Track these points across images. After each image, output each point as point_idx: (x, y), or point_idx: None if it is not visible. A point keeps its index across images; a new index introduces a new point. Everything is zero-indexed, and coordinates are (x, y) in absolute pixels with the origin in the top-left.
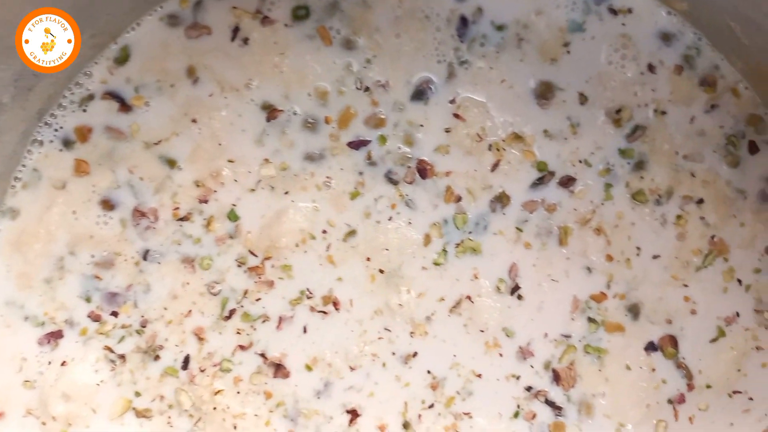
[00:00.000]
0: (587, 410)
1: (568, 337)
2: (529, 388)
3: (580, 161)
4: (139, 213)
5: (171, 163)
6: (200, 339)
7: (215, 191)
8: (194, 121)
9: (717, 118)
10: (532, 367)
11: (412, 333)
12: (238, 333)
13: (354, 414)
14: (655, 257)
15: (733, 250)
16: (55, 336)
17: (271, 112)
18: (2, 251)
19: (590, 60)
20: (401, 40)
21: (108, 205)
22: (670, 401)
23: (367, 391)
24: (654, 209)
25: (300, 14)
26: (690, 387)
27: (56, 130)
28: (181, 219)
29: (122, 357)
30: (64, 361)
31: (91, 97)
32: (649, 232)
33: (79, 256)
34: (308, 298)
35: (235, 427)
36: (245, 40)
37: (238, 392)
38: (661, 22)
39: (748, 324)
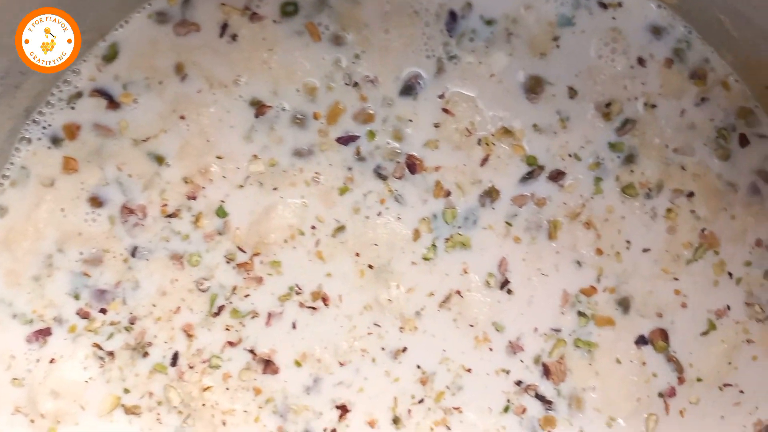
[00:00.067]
0: (577, 404)
1: (558, 331)
2: (519, 383)
3: (570, 155)
4: (127, 210)
5: (159, 160)
6: (189, 335)
7: (204, 188)
8: (182, 117)
9: (707, 111)
10: (522, 361)
11: (401, 328)
12: (227, 329)
13: (343, 409)
14: (645, 251)
15: (723, 243)
16: (44, 333)
17: (259, 108)
18: None
19: (580, 54)
20: (390, 35)
21: (96, 202)
22: (660, 395)
23: (357, 386)
24: (644, 203)
25: (288, 10)
26: (681, 380)
27: (44, 128)
28: (170, 216)
29: (111, 354)
30: (53, 359)
31: (79, 95)
32: (639, 226)
33: (68, 253)
34: (297, 293)
35: (224, 424)
36: (234, 37)
37: (227, 388)
38: (651, 15)
39: (738, 317)
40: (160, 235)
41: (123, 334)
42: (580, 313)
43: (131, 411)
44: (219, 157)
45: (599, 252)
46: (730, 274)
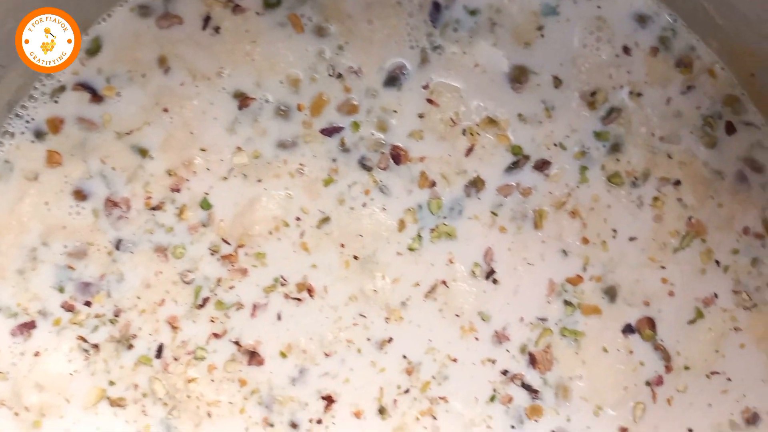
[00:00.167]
0: (564, 393)
1: (544, 320)
2: (505, 372)
3: (555, 144)
4: (111, 203)
5: (143, 153)
6: (174, 328)
7: (187, 180)
8: (166, 110)
9: (693, 99)
10: (508, 351)
11: (387, 319)
12: (212, 321)
13: (329, 400)
14: (631, 239)
15: (710, 231)
16: (28, 327)
17: (243, 100)
18: None
19: (564, 43)
20: (373, 26)
21: (80, 195)
22: (648, 383)
23: (343, 377)
24: (630, 191)
25: (271, 2)
26: (668, 369)
27: (27, 122)
28: (154, 208)
29: (96, 346)
30: (37, 352)
31: (62, 89)
32: (625, 215)
33: (52, 246)
34: (282, 285)
35: (209, 415)
36: (216, 29)
37: (213, 380)
38: (636, 4)
39: (726, 305)
40: (144, 228)
41: (108, 327)
42: (567, 302)
43: (116, 403)
44: (203, 150)
45: (585, 241)
46: (718, 262)
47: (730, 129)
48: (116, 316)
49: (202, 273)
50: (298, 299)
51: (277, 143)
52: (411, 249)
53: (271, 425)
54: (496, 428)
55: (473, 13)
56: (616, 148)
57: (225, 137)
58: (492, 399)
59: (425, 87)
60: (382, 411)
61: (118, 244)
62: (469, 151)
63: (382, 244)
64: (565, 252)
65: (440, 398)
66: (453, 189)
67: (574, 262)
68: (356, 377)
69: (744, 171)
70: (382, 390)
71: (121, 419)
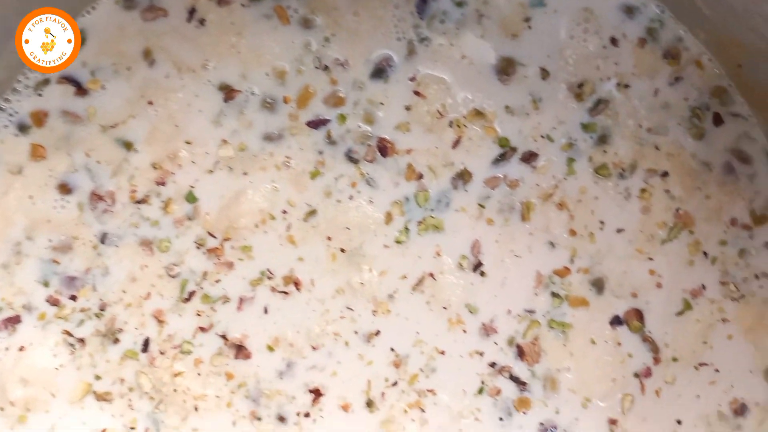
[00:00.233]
0: (552, 385)
1: (531, 312)
2: (493, 364)
3: (542, 136)
4: (96, 196)
5: (128, 146)
6: (160, 321)
7: (173, 173)
8: (151, 103)
9: (681, 90)
10: (496, 343)
11: (374, 311)
12: (198, 315)
13: (317, 393)
14: (619, 231)
15: (698, 222)
16: (13, 321)
17: (228, 92)
18: None
19: (552, 35)
20: (360, 17)
21: (65, 188)
22: (636, 375)
23: (330, 370)
24: (617, 183)
25: None
26: (656, 360)
27: (11, 115)
28: (139, 201)
29: (81, 341)
30: (22, 346)
31: (46, 82)
32: (612, 206)
33: (37, 240)
34: (269, 278)
35: (196, 409)
36: (202, 21)
37: (199, 374)
38: None
39: (714, 296)
40: (129, 221)
41: (93, 321)
42: (554, 294)
43: (102, 397)
44: (188, 143)
45: (572, 233)
46: (705, 254)
47: (718, 120)
48: (102, 310)
49: (188, 266)
50: (285, 292)
51: (263, 136)
52: (398, 242)
53: (259, 419)
54: (485, 420)
55: (460, 4)
56: (603, 139)
57: (210, 130)
58: (480, 391)
59: (412, 79)
60: (369, 404)
61: (103, 238)
62: (456, 143)
63: (369, 237)
64: (552, 244)
65: (428, 391)
66: (440, 181)
67: (562, 254)
68: (344, 370)
69: (731, 162)
70: (370, 383)
71: (108, 413)
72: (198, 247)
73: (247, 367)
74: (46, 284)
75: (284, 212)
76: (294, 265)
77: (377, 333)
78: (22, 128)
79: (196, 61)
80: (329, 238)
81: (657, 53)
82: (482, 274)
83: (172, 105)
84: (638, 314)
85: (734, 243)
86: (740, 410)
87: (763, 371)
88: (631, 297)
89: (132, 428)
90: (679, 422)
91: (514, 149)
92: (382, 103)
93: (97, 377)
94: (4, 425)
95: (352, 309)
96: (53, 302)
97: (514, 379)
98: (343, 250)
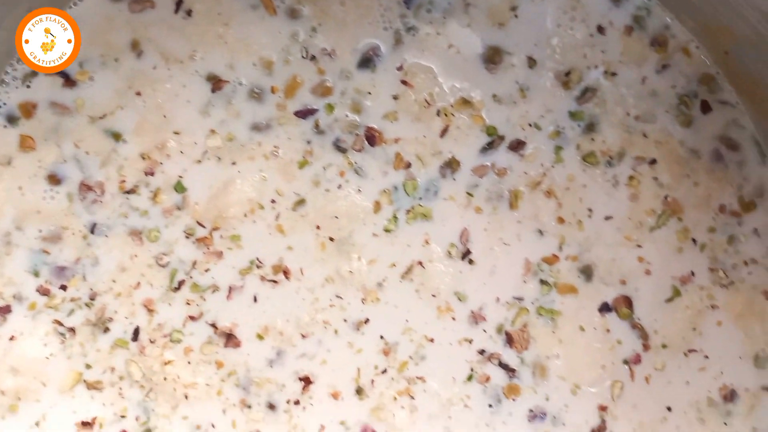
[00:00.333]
0: (541, 372)
1: (520, 299)
2: (482, 352)
3: (530, 125)
4: (85, 187)
5: (116, 137)
6: (150, 311)
7: (161, 163)
8: (139, 94)
9: (669, 78)
10: (484, 331)
11: (363, 300)
12: (187, 304)
13: (307, 381)
14: (607, 218)
15: (687, 209)
16: (3, 311)
17: (216, 83)
18: None
19: (538, 23)
20: (346, 7)
21: (54, 179)
22: (625, 362)
23: (320, 358)
24: (605, 171)
25: None
26: (646, 347)
27: None
28: (128, 192)
29: (72, 330)
30: (13, 336)
31: (34, 74)
32: (600, 194)
33: (26, 231)
34: (258, 267)
35: (186, 397)
36: (189, 12)
37: (189, 362)
38: None
39: (703, 283)
40: (118, 212)
41: (83, 310)
42: (543, 282)
43: (93, 386)
44: (176, 133)
45: (561, 221)
46: (694, 241)
47: (706, 108)
48: (92, 299)
49: (178, 256)
50: (274, 281)
51: (251, 126)
52: (387, 230)
53: (249, 407)
54: (474, 407)
55: None
56: (591, 127)
57: (198, 120)
58: (469, 378)
59: (399, 68)
60: (359, 391)
61: (92, 228)
62: (444, 132)
63: (357, 226)
64: (540, 232)
65: (418, 378)
66: (428, 170)
67: (550, 242)
68: (333, 358)
69: (720, 149)
70: (360, 371)
71: (98, 402)
72: (187, 237)
73: (237, 356)
74: (36, 274)
75: (273, 202)
76: (283, 254)
77: (366, 321)
78: (11, 119)
79: (184, 52)
80: (318, 227)
81: (644, 41)
82: (471, 262)
83: (160, 96)
84: (627, 301)
85: (723, 230)
86: (730, 396)
87: (752, 357)
88: (620, 284)
89: (122, 417)
90: (669, 409)
91: (501, 138)
92: (369, 93)
93: (88, 366)
94: None
95: (341, 297)
96: (43, 292)
97: (504, 366)
98: (332, 239)
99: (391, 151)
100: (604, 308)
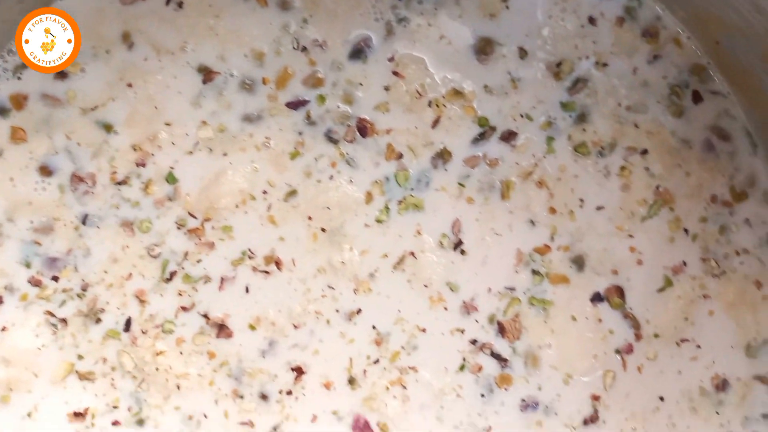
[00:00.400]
0: (534, 362)
1: (512, 289)
2: (474, 342)
3: (522, 115)
4: (77, 178)
5: (108, 128)
6: (141, 301)
7: (153, 154)
8: (130, 85)
9: (660, 68)
10: (476, 321)
11: (355, 290)
12: (179, 294)
13: (299, 371)
14: (599, 209)
15: (678, 199)
16: None
17: (207, 74)
18: None
19: (530, 14)
20: None
21: (46, 171)
22: (617, 351)
23: (312, 348)
24: (597, 161)
25: None
26: (638, 337)
27: None
28: (120, 183)
29: (64, 321)
30: (4, 327)
31: (25, 65)
32: (592, 184)
33: (18, 222)
34: (250, 258)
35: (178, 387)
36: (180, 4)
37: (181, 353)
38: None
39: (695, 273)
40: (110, 203)
41: (75, 301)
42: (535, 272)
43: (85, 377)
44: (167, 124)
45: (552, 211)
46: (686, 231)
47: (697, 98)
48: (84, 290)
49: (169, 247)
50: (266, 272)
51: (242, 117)
52: (379, 221)
53: (241, 397)
54: (467, 397)
55: None
56: (582, 118)
57: (190, 111)
58: (462, 368)
59: (391, 59)
60: (351, 381)
61: (84, 219)
62: (436, 122)
63: (349, 217)
64: (532, 222)
65: (410, 368)
66: (420, 161)
67: (542, 232)
68: (326, 348)
69: (711, 139)
70: (352, 361)
71: (90, 393)
72: (179, 228)
73: (229, 346)
74: (27, 265)
75: (264, 192)
76: (275, 244)
77: (359, 311)
78: (2, 111)
79: (175, 44)
80: (310, 218)
81: (635, 32)
82: (463, 252)
83: (152, 87)
84: (619, 291)
85: (715, 220)
86: (722, 386)
87: (744, 347)
88: (612, 274)
89: (114, 407)
90: (661, 398)
91: (493, 128)
92: (361, 84)
93: (80, 357)
94: None
95: (333, 288)
96: (35, 283)
97: (496, 356)
98: (323, 230)
99: (382, 142)
100: (596, 298)
